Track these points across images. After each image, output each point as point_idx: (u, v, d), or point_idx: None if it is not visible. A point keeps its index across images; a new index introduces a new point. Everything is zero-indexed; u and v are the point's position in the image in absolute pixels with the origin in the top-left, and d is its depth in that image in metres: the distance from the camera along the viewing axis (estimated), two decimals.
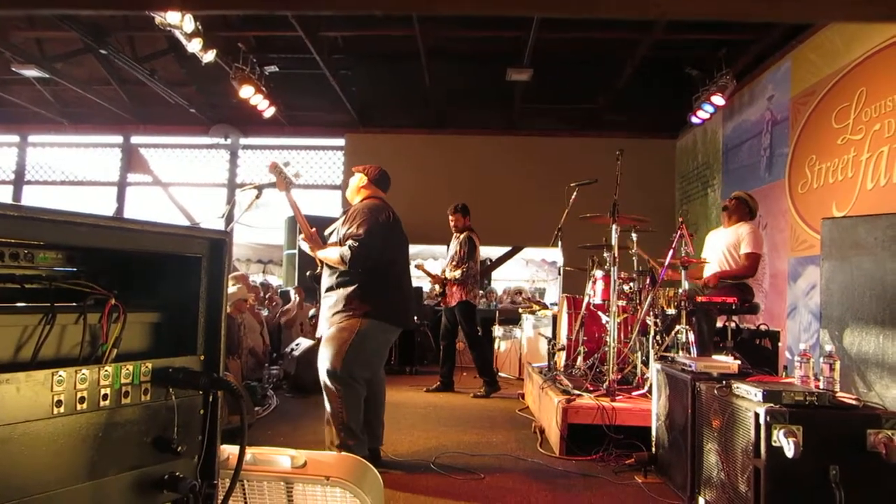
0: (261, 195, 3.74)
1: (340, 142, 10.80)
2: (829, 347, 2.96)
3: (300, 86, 9.13)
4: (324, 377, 3.63)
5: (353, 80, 8.86)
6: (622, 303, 5.19)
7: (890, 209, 4.13)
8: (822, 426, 2.49)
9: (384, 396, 3.98)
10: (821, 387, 2.83)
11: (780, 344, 5.62)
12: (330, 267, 3.74)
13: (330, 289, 3.73)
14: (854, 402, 2.64)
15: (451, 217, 6.85)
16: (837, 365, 2.87)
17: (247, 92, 7.92)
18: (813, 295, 5.85)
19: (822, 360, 2.89)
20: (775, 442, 2.46)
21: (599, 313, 5.48)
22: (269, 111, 8.62)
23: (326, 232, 3.93)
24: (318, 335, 3.89)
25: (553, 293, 14.75)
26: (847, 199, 5.55)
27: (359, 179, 3.98)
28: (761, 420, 2.52)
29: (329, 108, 9.79)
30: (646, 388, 4.57)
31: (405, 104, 9.84)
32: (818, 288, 4.20)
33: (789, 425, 2.47)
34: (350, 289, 3.65)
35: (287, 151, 11.06)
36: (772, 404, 2.55)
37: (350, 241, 3.60)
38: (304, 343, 6.78)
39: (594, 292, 5.43)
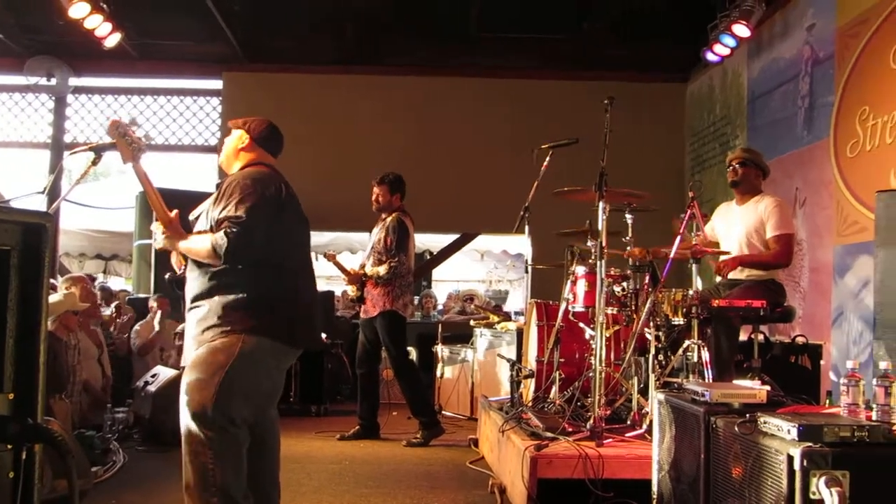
0: (99, 160, 3.66)
1: (217, 84, 10.67)
2: (884, 365, 3.07)
3: (158, 3, 8.95)
4: (187, 420, 3.56)
5: None
6: (613, 310, 5.27)
7: None
8: (875, 470, 2.58)
9: (278, 447, 3.94)
10: (874, 417, 2.94)
11: (822, 362, 5.82)
12: (198, 265, 3.69)
13: (199, 296, 3.67)
14: None
15: (375, 190, 6.85)
16: (895, 388, 2.99)
17: (80, 10, 7.72)
18: (865, 295, 6.08)
19: (875, 381, 3.01)
20: (814, 494, 2.54)
21: (581, 325, 5.57)
22: (112, 38, 8.44)
23: (192, 215, 3.87)
24: (183, 362, 3.83)
25: (518, 298, 14.91)
26: None
27: (237, 138, 3.93)
28: (796, 465, 2.60)
29: (200, 34, 9.66)
30: (644, 426, 4.67)
31: (310, 30, 9.73)
32: (872, 285, 4.37)
33: (832, 471, 2.55)
34: (228, 296, 3.60)
35: (140, 97, 10.85)
36: (810, 444, 2.64)
37: (225, 226, 3.56)
38: (163, 374, 6.67)
39: (574, 296, 5.50)
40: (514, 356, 7.04)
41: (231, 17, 9.07)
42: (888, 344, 4.03)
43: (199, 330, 3.63)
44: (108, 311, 8.72)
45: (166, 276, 4.16)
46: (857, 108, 6.50)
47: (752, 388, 3.59)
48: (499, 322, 8.43)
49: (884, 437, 2.70)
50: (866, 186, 6.19)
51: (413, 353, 8.81)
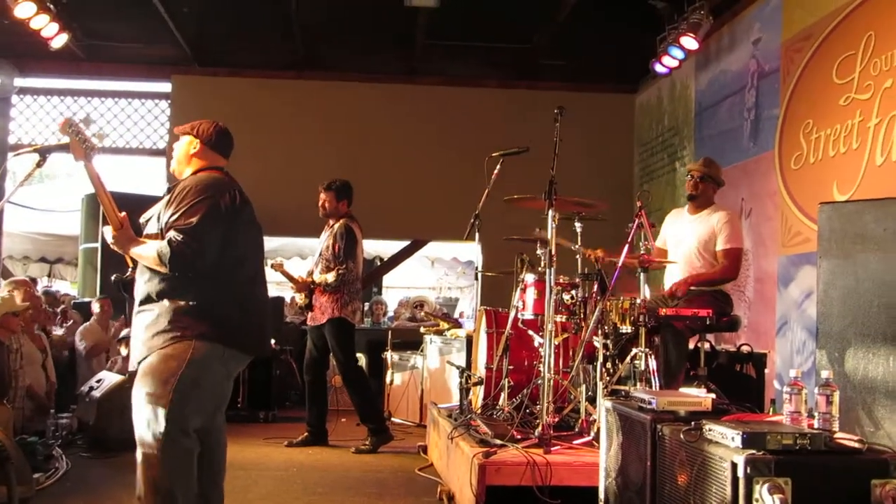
0: (44, 162, 3.60)
1: (166, 87, 10.55)
2: (826, 374, 3.14)
3: (106, 4, 8.82)
4: (140, 429, 3.53)
5: None
6: (562, 318, 5.31)
7: None
8: (815, 477, 2.63)
9: (224, 454, 3.92)
10: (816, 425, 3.00)
11: (766, 371, 5.92)
12: (149, 269, 3.65)
13: (148, 299, 3.63)
14: (857, 446, 2.82)
15: (321, 196, 6.81)
16: (836, 396, 3.04)
17: (26, 9, 7.58)
18: (808, 305, 6.20)
19: (817, 390, 3.07)
20: (757, 500, 2.58)
21: (531, 333, 5.60)
22: (58, 39, 8.28)
23: (143, 218, 3.83)
24: (131, 367, 3.78)
25: (468, 305, 14.95)
26: (852, 177, 5.90)
27: (188, 143, 3.89)
28: (740, 472, 2.64)
29: (149, 37, 9.54)
30: (592, 434, 4.70)
31: (260, 36, 9.69)
32: (815, 296, 4.45)
33: (775, 478, 2.60)
34: (179, 301, 3.57)
35: (87, 99, 10.70)
36: (753, 451, 2.68)
37: (172, 233, 3.52)
38: (108, 379, 6.60)
39: (524, 304, 5.53)
40: (463, 363, 7.04)
41: (180, 19, 8.96)
42: (830, 353, 4.11)
43: (148, 335, 3.59)
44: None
45: (112, 278, 4.09)
46: (802, 122, 6.63)
47: (698, 396, 3.64)
48: (449, 329, 8.44)
49: (825, 445, 2.75)
50: (810, 198, 6.32)
51: (362, 360, 8.80)
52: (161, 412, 3.49)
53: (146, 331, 3.60)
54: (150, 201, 3.99)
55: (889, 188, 5.14)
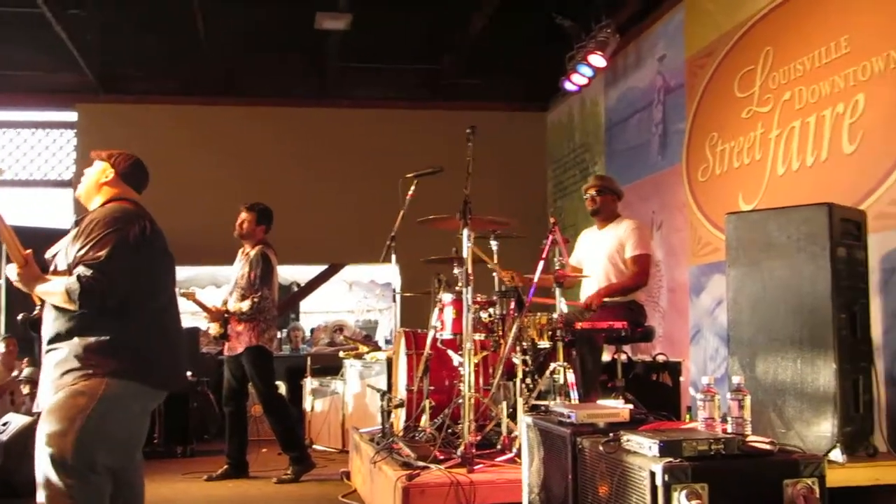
0: None
1: (72, 116, 10.31)
2: (737, 379, 3.22)
3: (5, 30, 8.60)
4: (46, 468, 3.41)
5: (90, 23, 8.48)
6: (480, 336, 5.33)
7: (805, 199, 4.58)
8: (731, 481, 2.70)
9: (142, 494, 3.83)
10: (729, 430, 3.07)
11: (681, 379, 6.05)
12: (56, 307, 3.55)
13: (57, 338, 3.53)
14: (768, 448, 2.89)
15: (242, 215, 6.72)
16: (748, 401, 3.13)
17: None
18: (720, 312, 6.36)
19: (729, 395, 3.15)
20: None
21: (450, 352, 5.60)
22: None
23: (49, 253, 3.73)
24: (37, 408, 3.66)
25: (388, 327, 14.89)
26: (756, 187, 6.09)
27: (101, 171, 3.80)
28: (658, 480, 2.68)
29: (52, 65, 9.38)
30: (514, 450, 4.72)
31: (170, 61, 9.62)
32: (725, 304, 4.57)
33: (692, 484, 2.65)
34: (90, 337, 3.47)
35: None
36: (670, 459, 2.73)
37: (81, 269, 3.43)
38: (15, 422, 6.37)
39: (442, 324, 5.54)
40: (384, 386, 7.02)
41: (84, 46, 8.80)
42: (741, 359, 4.23)
43: (57, 373, 3.48)
44: None
45: (19, 317, 3.97)
46: (707, 135, 6.83)
47: (616, 407, 3.69)
48: (369, 352, 8.40)
49: (738, 449, 2.82)
50: (717, 209, 6.50)
51: (282, 388, 8.69)
52: (68, 449, 3.38)
53: (55, 369, 3.50)
54: (56, 235, 3.87)
55: (791, 197, 5.31)
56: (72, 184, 9.97)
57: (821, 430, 3.91)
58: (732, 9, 6.50)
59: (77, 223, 3.69)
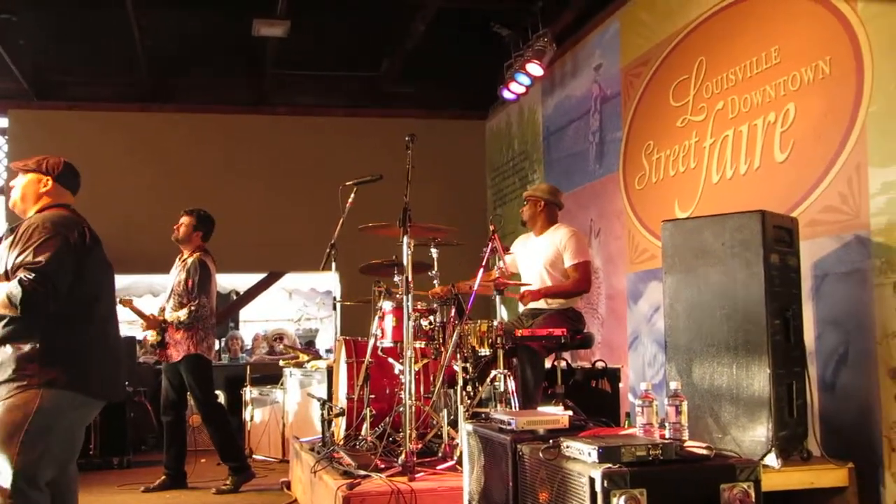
0: None
1: (2, 122, 10.07)
2: (674, 385, 3.27)
3: None
4: None
5: (21, 29, 8.31)
6: (421, 344, 5.33)
7: (739, 206, 4.67)
8: (669, 486, 2.74)
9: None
10: (667, 435, 3.12)
11: (620, 385, 6.12)
12: None
13: None
14: (705, 453, 2.94)
15: (181, 219, 6.64)
16: (685, 406, 3.18)
17: None
18: (657, 319, 6.45)
19: (667, 401, 3.20)
20: None
21: (391, 360, 5.59)
22: None
23: None
24: None
25: (329, 336, 14.80)
26: (691, 195, 6.19)
27: (37, 182, 3.73)
28: (597, 486, 2.71)
29: None
30: (455, 458, 4.73)
31: (103, 67, 9.50)
32: (662, 310, 4.63)
33: (630, 490, 2.69)
34: (24, 346, 3.40)
35: None
36: (609, 465, 2.76)
37: (23, 274, 3.35)
38: None
39: (382, 332, 5.52)
40: (324, 395, 6.98)
41: (17, 51, 8.63)
42: (678, 364, 4.29)
43: None
44: None
45: None
46: (643, 143, 6.92)
47: (556, 414, 3.72)
48: (309, 360, 8.34)
49: (676, 454, 2.87)
50: (654, 216, 6.59)
51: (221, 397, 8.58)
52: (7, 467, 3.31)
53: None
54: None
55: (725, 204, 5.41)
56: (3, 190, 9.73)
57: (756, 435, 3.98)
58: (667, 19, 6.60)
59: (12, 230, 3.62)
